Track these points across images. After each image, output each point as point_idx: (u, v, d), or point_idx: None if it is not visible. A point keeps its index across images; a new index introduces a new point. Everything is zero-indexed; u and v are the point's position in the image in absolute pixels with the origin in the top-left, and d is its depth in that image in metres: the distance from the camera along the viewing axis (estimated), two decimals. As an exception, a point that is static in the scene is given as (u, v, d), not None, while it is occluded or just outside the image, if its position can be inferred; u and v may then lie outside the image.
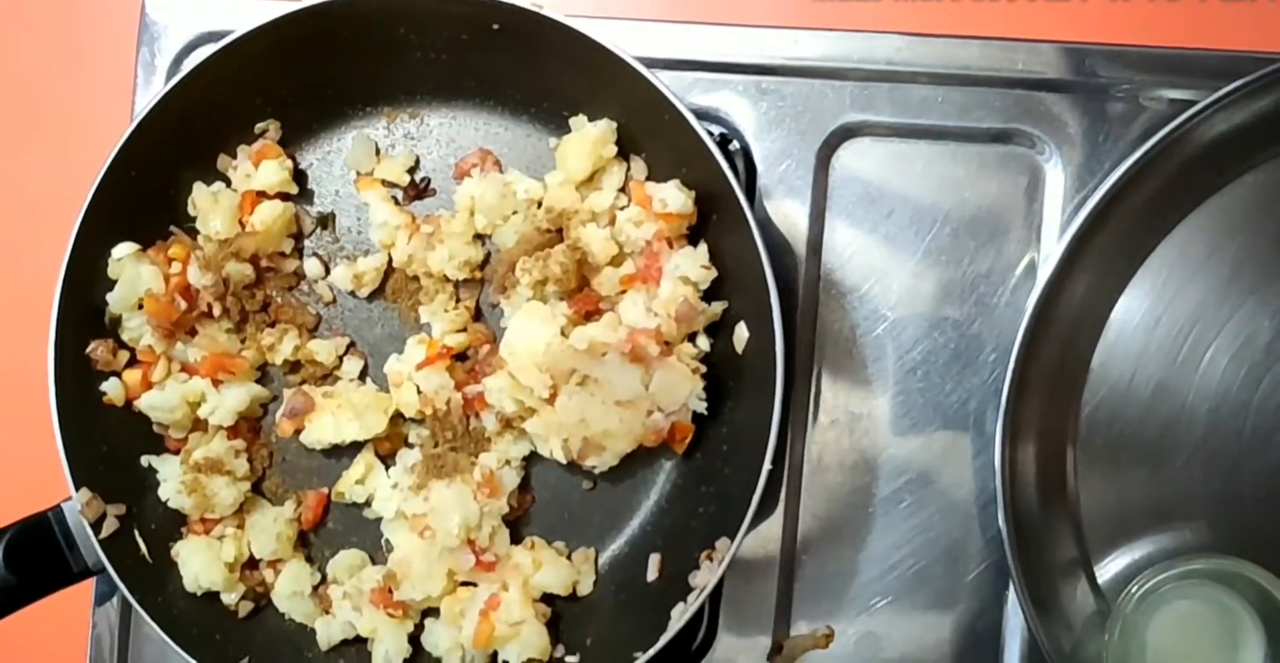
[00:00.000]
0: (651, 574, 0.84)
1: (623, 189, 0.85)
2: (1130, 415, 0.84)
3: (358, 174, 0.88)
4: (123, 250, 0.84)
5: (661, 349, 0.81)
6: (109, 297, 0.84)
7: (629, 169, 0.85)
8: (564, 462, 0.83)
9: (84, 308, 0.84)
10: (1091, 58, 0.87)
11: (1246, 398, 0.83)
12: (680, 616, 0.79)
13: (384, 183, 0.88)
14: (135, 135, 0.83)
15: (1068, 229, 0.82)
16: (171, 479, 0.84)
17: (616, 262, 0.84)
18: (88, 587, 0.90)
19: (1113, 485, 0.84)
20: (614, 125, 0.84)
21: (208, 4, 0.92)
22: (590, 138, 0.83)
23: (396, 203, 0.88)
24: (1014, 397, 0.81)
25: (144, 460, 0.86)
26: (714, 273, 0.82)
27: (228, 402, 0.85)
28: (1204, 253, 0.84)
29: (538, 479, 0.87)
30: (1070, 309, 0.83)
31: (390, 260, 0.87)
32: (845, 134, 0.88)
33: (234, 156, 0.87)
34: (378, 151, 0.88)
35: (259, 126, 0.87)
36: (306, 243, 0.89)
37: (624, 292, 0.84)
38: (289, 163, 0.87)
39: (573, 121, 0.85)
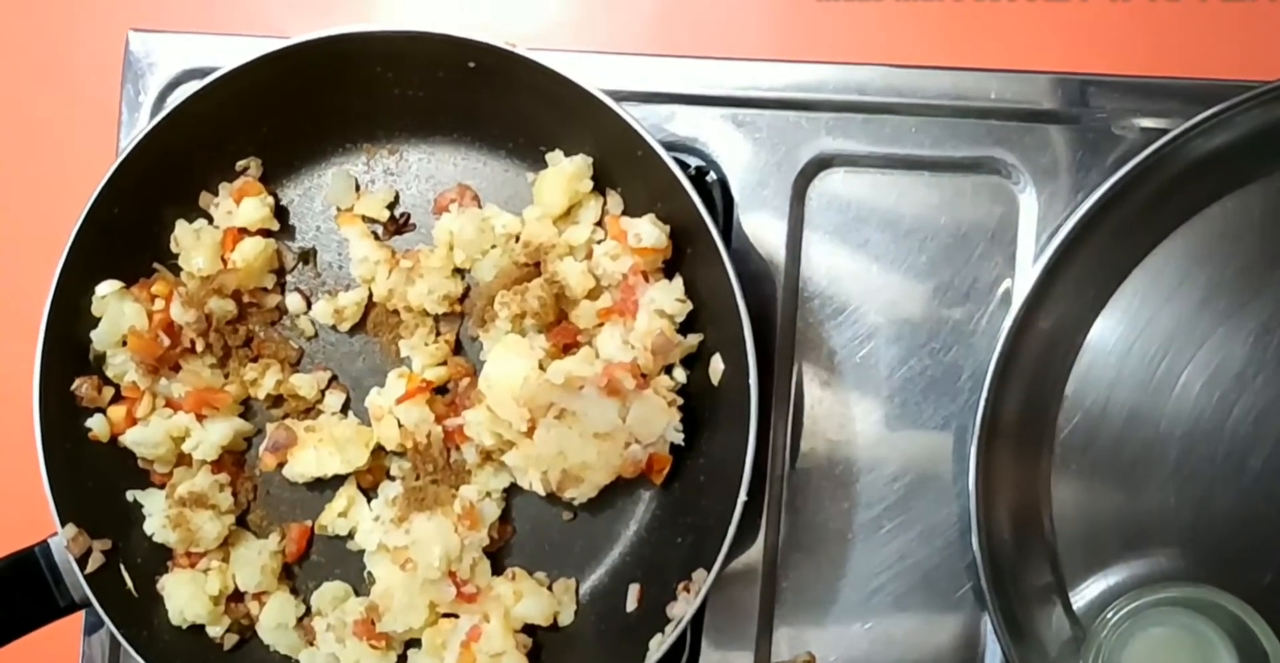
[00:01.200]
0: (631, 605, 0.84)
1: (599, 223, 0.86)
2: (1104, 442, 0.85)
3: (338, 210, 0.89)
4: (106, 288, 0.85)
5: (638, 382, 0.81)
6: (93, 334, 0.85)
7: (605, 203, 0.86)
8: (543, 494, 0.83)
9: (68, 345, 0.85)
10: (1064, 87, 0.87)
11: (1219, 424, 0.84)
12: (658, 647, 0.79)
13: (364, 218, 0.89)
14: (118, 173, 0.84)
15: (1041, 257, 0.83)
16: (156, 514, 0.85)
17: (594, 295, 0.85)
18: (78, 617, 0.90)
19: (1087, 512, 0.85)
20: (589, 161, 0.84)
21: (191, 41, 0.93)
22: (566, 173, 0.84)
23: (376, 238, 0.89)
24: (988, 423, 0.82)
25: (129, 495, 0.86)
26: (689, 306, 0.83)
27: (211, 436, 0.86)
28: (1176, 280, 0.85)
29: (518, 511, 0.88)
30: (1044, 336, 0.84)
31: (371, 295, 0.88)
32: (821, 164, 0.89)
33: (216, 194, 0.88)
34: (357, 188, 0.89)
35: (240, 164, 0.88)
36: (288, 278, 0.90)
37: (601, 325, 0.85)
38: (270, 199, 0.88)
39: (549, 157, 0.86)
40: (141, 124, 0.90)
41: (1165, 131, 0.82)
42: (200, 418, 0.86)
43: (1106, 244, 0.84)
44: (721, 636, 0.87)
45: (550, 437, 0.81)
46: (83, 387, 0.85)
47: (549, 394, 0.81)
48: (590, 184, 0.85)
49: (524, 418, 0.81)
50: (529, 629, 0.85)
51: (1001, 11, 0.91)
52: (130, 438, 0.85)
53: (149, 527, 0.85)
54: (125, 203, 0.84)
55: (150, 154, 0.84)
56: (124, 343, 0.86)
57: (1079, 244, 0.82)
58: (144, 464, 0.87)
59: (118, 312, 0.85)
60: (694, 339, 0.83)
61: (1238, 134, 0.82)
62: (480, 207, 0.88)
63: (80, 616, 0.90)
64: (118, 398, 0.87)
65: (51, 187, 0.96)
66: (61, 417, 0.85)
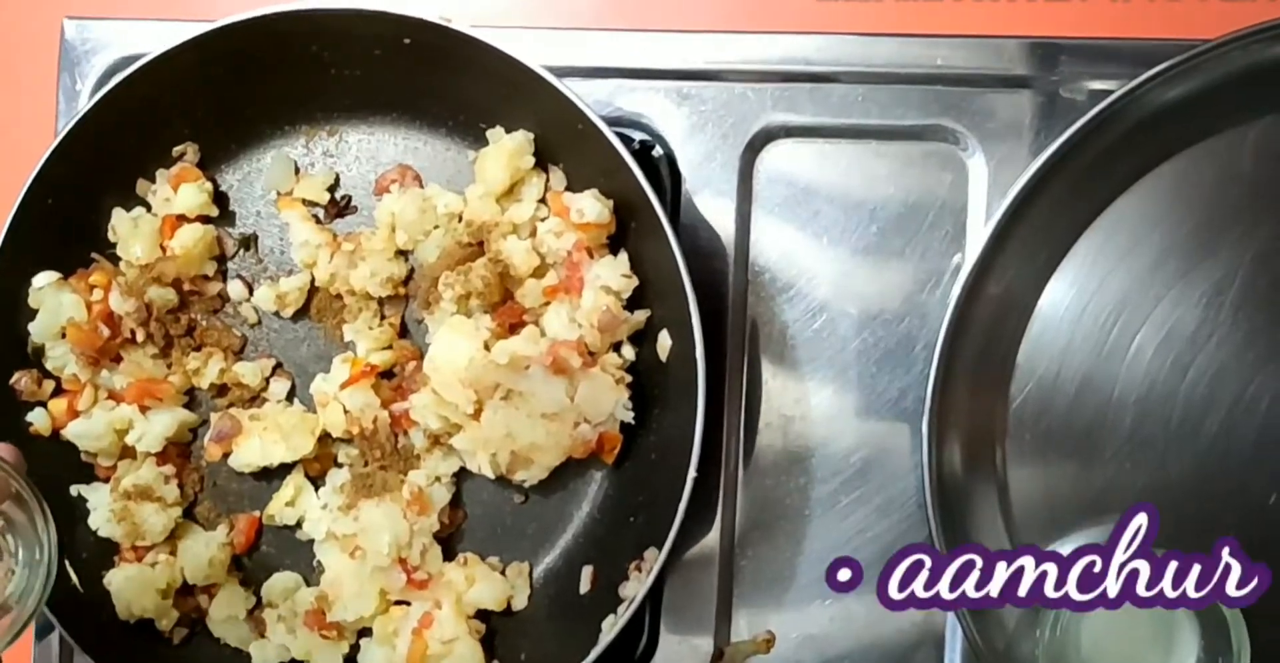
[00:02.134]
0: (585, 586, 0.83)
1: (543, 200, 0.84)
2: (1058, 409, 0.84)
3: (278, 194, 0.88)
4: (43, 280, 0.84)
5: (585, 360, 0.80)
6: (31, 326, 0.84)
7: (548, 180, 0.84)
8: (492, 477, 0.82)
9: (6, 338, 0.84)
10: (1011, 52, 0.86)
11: (1173, 388, 0.83)
12: (610, 628, 0.78)
13: (304, 202, 0.87)
14: (51, 161, 0.82)
15: (990, 221, 0.82)
16: (101, 508, 0.84)
17: (539, 273, 0.84)
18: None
19: (1042, 480, 0.84)
20: (531, 137, 0.83)
21: (127, 28, 0.92)
22: (507, 150, 0.83)
23: (318, 222, 0.87)
24: (939, 393, 0.81)
25: (73, 490, 0.85)
26: (635, 281, 0.82)
27: (155, 428, 0.84)
28: (1126, 244, 0.84)
29: (469, 495, 0.86)
30: (995, 302, 0.83)
31: (313, 280, 0.87)
32: (768, 136, 0.88)
33: (153, 181, 0.87)
34: (297, 171, 0.88)
35: (177, 150, 0.87)
36: (229, 265, 0.88)
37: (548, 303, 0.84)
38: (209, 185, 0.87)
39: (490, 134, 0.84)
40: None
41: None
42: (143, 409, 0.85)
43: (1057, 206, 0.82)
44: (680, 618, 0.86)
45: (498, 418, 0.80)
46: (22, 380, 0.84)
47: (495, 375, 0.80)
48: (532, 160, 0.83)
49: (470, 400, 0.80)
50: (482, 615, 0.84)
51: (948, -23, 0.90)
52: (72, 431, 0.84)
53: (94, 521, 0.84)
54: (60, 192, 0.83)
55: (83, 142, 0.83)
56: (63, 335, 0.84)
57: (1028, 207, 0.81)
58: (87, 458, 0.86)
59: (56, 303, 0.84)
60: (641, 315, 0.82)
61: (1182, 94, 0.81)
62: (422, 187, 0.86)
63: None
64: (58, 391, 0.85)
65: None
66: (1, 411, 0.83)
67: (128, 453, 0.85)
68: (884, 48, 0.87)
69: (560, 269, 0.83)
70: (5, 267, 0.82)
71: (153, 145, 0.87)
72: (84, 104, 0.90)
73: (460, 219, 0.85)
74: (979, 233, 0.85)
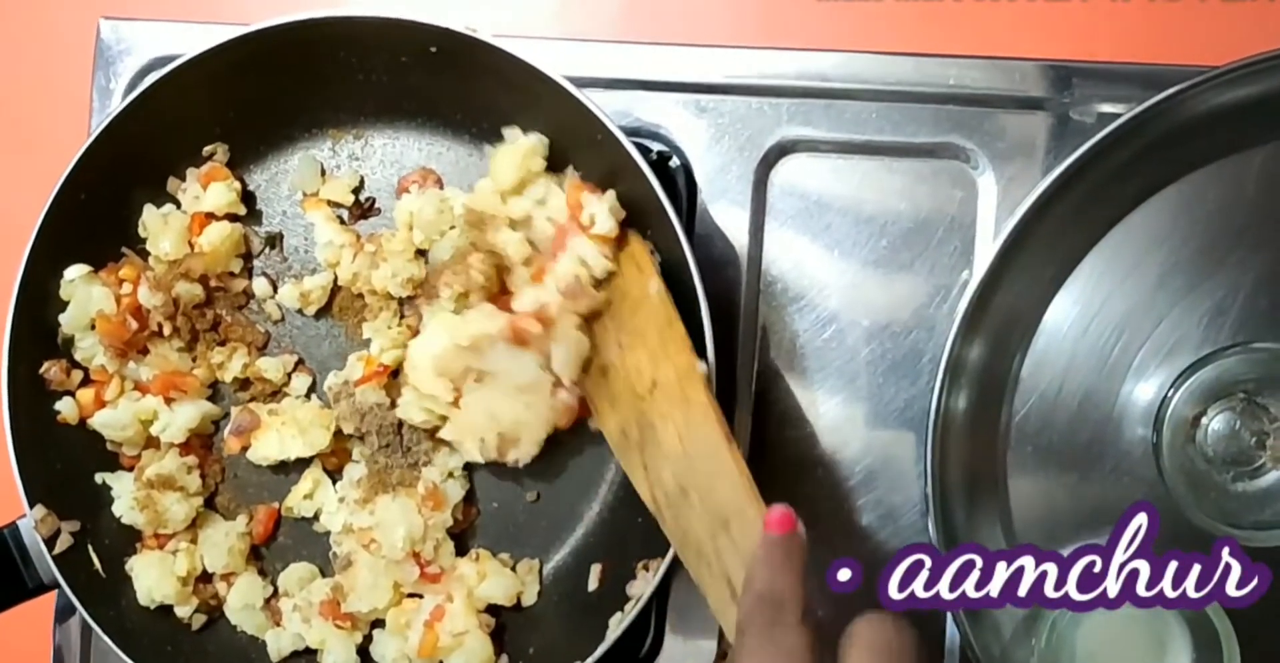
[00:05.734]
0: (593, 584, 0.85)
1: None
2: (1059, 423, 0.85)
3: (304, 194, 0.90)
4: (74, 272, 0.86)
5: (547, 324, 0.80)
6: (61, 317, 0.86)
7: (563, 184, 0.86)
8: (484, 461, 0.83)
9: (37, 329, 0.86)
10: (1023, 73, 0.88)
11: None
12: (617, 625, 0.80)
13: (329, 203, 0.89)
14: (85, 158, 0.84)
15: (997, 239, 0.84)
16: (125, 496, 0.86)
17: (530, 262, 0.84)
18: (50, 605, 0.92)
19: (1043, 491, 0.85)
20: (545, 140, 0.84)
21: (162, 29, 0.94)
22: (522, 149, 0.84)
23: (342, 222, 0.89)
24: (943, 405, 0.82)
25: (98, 478, 0.87)
26: (610, 265, 0.81)
27: (179, 419, 0.87)
28: (1130, 262, 0.86)
29: (482, 492, 0.88)
30: (1000, 318, 0.84)
31: (336, 279, 0.89)
32: (783, 150, 0.90)
33: (183, 179, 0.89)
34: (323, 172, 0.90)
35: (207, 149, 0.89)
36: (255, 262, 0.91)
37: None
38: (237, 184, 0.89)
39: (506, 133, 0.85)
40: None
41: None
42: (168, 401, 0.87)
43: (1064, 224, 0.84)
44: (686, 619, 0.88)
45: (476, 401, 0.81)
46: (51, 370, 0.86)
47: (461, 359, 0.81)
48: (543, 163, 0.84)
49: (448, 389, 0.81)
50: (492, 609, 0.86)
51: (963, -2, 0.92)
52: (99, 421, 0.86)
53: (117, 509, 0.86)
54: (93, 188, 0.85)
55: (117, 140, 0.85)
56: (92, 326, 0.87)
57: (1036, 224, 0.83)
58: (113, 447, 0.88)
59: (86, 295, 0.86)
60: (603, 295, 0.81)
61: (1190, 117, 0.82)
62: (442, 189, 0.88)
63: (52, 604, 0.91)
64: (86, 381, 0.88)
65: (22, 174, 0.96)
66: (30, 400, 0.85)
67: (152, 443, 0.88)
68: (899, 66, 0.89)
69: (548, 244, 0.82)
70: (38, 259, 0.84)
71: (183, 144, 0.89)
72: (117, 103, 0.92)
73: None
74: (987, 249, 0.87)
